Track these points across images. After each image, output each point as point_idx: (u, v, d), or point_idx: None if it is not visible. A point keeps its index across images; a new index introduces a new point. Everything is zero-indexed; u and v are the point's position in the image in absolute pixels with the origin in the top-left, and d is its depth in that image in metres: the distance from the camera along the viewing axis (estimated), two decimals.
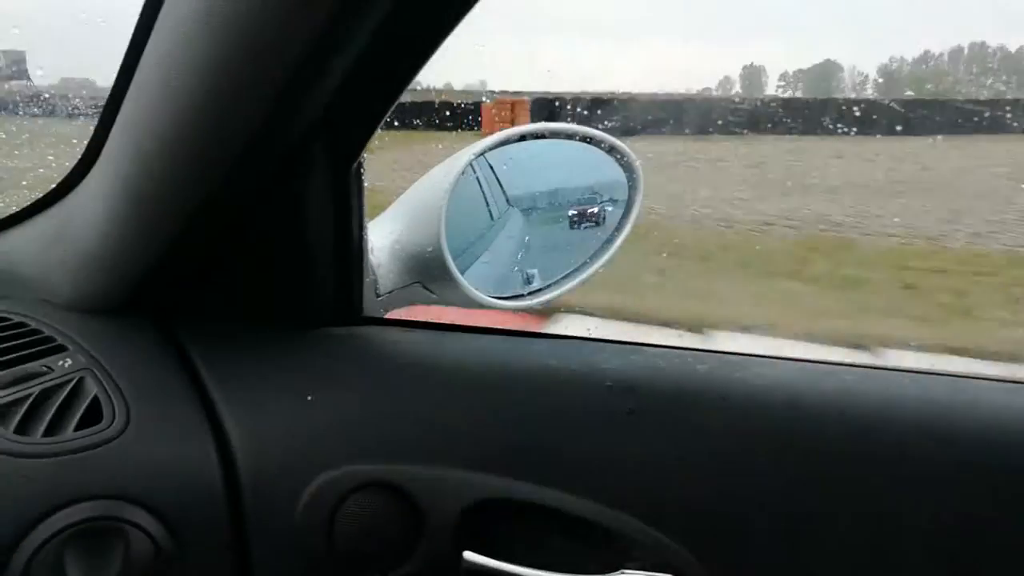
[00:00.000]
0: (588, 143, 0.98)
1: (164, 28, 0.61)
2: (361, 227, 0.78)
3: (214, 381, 0.72)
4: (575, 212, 1.05)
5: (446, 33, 0.64)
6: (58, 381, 0.68)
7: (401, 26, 0.61)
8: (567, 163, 1.03)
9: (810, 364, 0.68)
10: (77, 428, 0.64)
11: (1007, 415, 0.59)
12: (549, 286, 0.96)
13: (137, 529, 0.61)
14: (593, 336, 0.74)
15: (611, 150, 0.98)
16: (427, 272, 0.86)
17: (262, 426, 0.69)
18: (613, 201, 1.04)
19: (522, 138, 0.93)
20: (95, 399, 0.67)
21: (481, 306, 0.89)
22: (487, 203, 1.08)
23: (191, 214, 0.69)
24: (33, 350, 0.71)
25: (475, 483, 0.65)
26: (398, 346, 0.76)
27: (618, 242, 0.97)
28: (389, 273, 0.86)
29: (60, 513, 0.59)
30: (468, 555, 0.65)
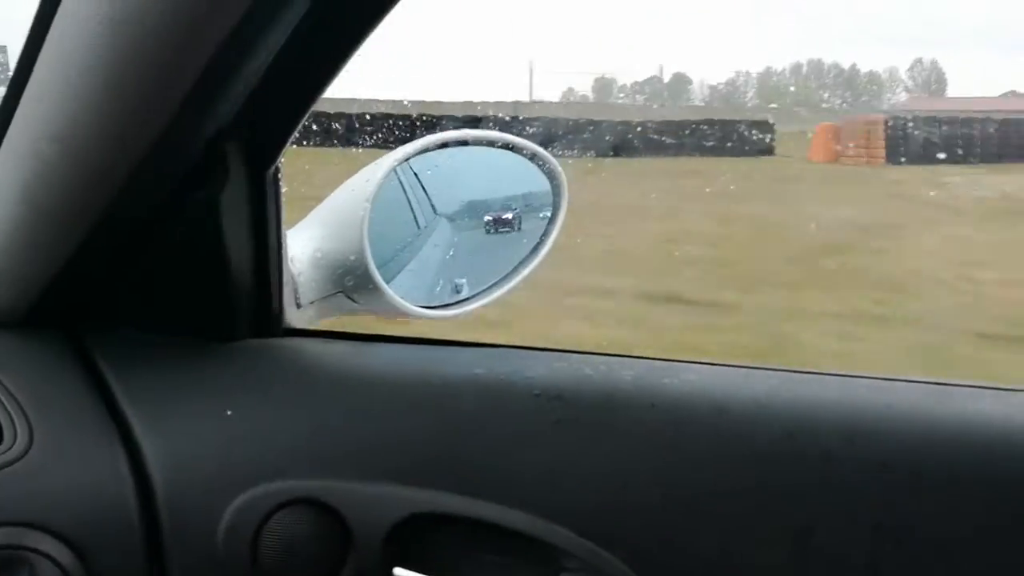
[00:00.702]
0: (510, 150, 0.98)
1: (64, 24, 0.58)
2: (279, 235, 0.76)
3: (127, 396, 0.68)
4: (491, 218, 1.05)
5: (365, 35, 0.62)
6: None
7: (318, 27, 0.59)
8: (491, 171, 1.02)
9: (734, 369, 0.69)
10: None
11: (924, 416, 0.61)
12: (476, 295, 0.95)
13: (44, 558, 0.57)
14: (520, 344, 0.74)
15: (533, 157, 0.98)
16: (351, 281, 0.84)
17: (179, 443, 0.66)
18: (534, 208, 1.04)
19: (443, 145, 0.92)
20: None
21: (407, 316, 0.87)
22: (412, 211, 1.07)
23: (97, 221, 0.65)
24: None
25: (403, 497, 0.63)
26: (321, 358, 0.74)
27: (544, 250, 0.97)
28: (311, 282, 0.84)
29: None
30: (398, 572, 0.63)
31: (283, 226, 0.76)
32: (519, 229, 1.03)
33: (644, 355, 0.70)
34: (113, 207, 0.64)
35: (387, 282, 0.88)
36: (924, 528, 0.57)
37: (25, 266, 0.69)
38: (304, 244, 0.85)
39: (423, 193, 1.06)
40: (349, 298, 0.86)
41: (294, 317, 0.81)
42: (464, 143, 0.93)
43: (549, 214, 1.00)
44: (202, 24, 0.53)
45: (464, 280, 1.05)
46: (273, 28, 0.58)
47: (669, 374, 0.66)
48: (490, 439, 0.65)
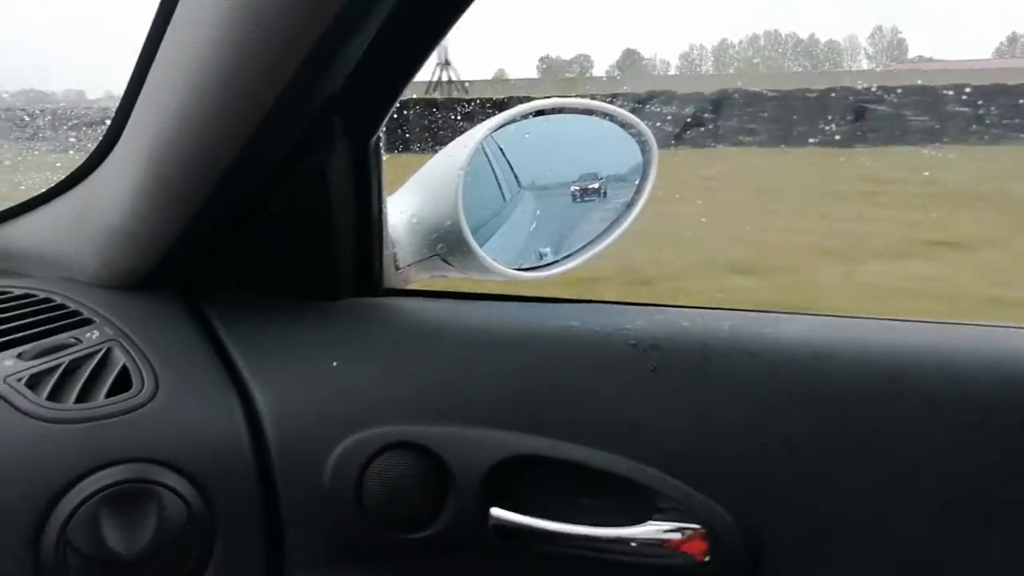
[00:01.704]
0: (604, 118, 0.99)
1: (186, 8, 0.62)
2: (380, 200, 0.79)
3: (239, 350, 0.73)
4: (577, 188, 1.06)
5: (462, 9, 0.65)
6: (87, 351, 0.69)
7: (417, 4, 0.62)
8: (583, 139, 1.03)
9: (833, 318, 0.68)
10: (107, 396, 0.65)
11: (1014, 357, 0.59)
12: (566, 258, 0.97)
13: (170, 491, 0.62)
14: (616, 300, 0.75)
15: (624, 125, 0.98)
16: (445, 245, 0.87)
17: (288, 391, 0.70)
18: (622, 180, 1.05)
19: (539, 113, 0.93)
20: (124, 368, 0.68)
21: (500, 277, 0.89)
22: (499, 184, 1.09)
23: (213, 189, 0.70)
24: (60, 323, 0.72)
25: (501, 441, 0.66)
26: (421, 315, 0.77)
27: (632, 215, 0.97)
28: (408, 246, 0.87)
29: (94, 476, 0.61)
30: (496, 511, 0.65)
31: (384, 191, 0.79)
32: (604, 196, 1.04)
33: (741, 307, 0.70)
34: (228, 176, 0.69)
35: (479, 246, 0.91)
36: None
37: (149, 230, 0.74)
38: (402, 210, 0.88)
39: (508, 166, 1.08)
40: (444, 261, 0.89)
41: (392, 278, 0.85)
42: (559, 111, 0.94)
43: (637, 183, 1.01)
44: (315, 1, 0.56)
45: (548, 249, 1.07)
46: (377, 5, 0.60)
47: (768, 324, 0.67)
48: (586, 386, 0.66)
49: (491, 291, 0.83)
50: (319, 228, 0.77)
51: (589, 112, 0.98)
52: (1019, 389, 0.57)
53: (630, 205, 0.99)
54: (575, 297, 0.77)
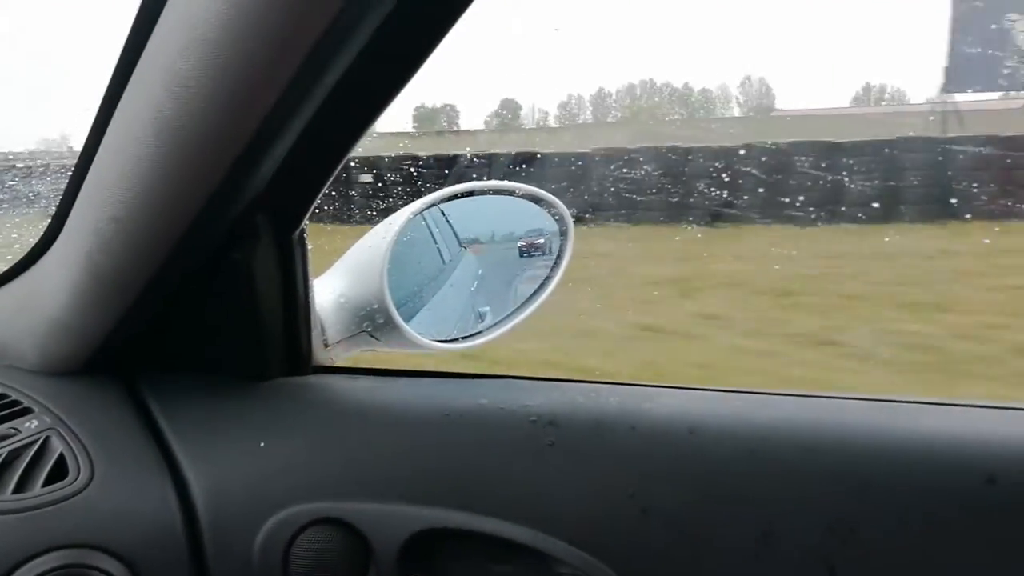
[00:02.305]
0: (523, 198, 1.07)
1: (122, 121, 0.68)
2: (307, 285, 0.85)
3: (173, 432, 0.78)
4: (524, 244, 1.13)
5: (382, 109, 0.71)
6: (25, 441, 0.73)
7: (339, 102, 0.68)
8: (505, 215, 1.11)
9: (709, 392, 0.76)
10: (45, 484, 0.69)
11: (883, 433, 0.67)
12: (486, 329, 1.04)
13: (105, 575, 0.66)
14: (520, 375, 0.82)
15: (539, 202, 1.06)
16: (372, 320, 0.93)
17: (219, 470, 0.74)
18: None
19: (454, 197, 1.01)
20: (61, 456, 0.72)
21: (423, 350, 0.96)
22: (438, 248, 1.16)
23: (147, 282, 0.75)
24: (0, 413, 0.76)
25: (417, 515, 0.71)
26: (344, 393, 0.83)
27: (550, 286, 1.05)
28: (337, 324, 0.93)
29: (33, 562, 0.65)
30: None
31: (310, 277, 0.85)
32: (550, 252, 1.12)
33: (629, 382, 0.77)
34: (160, 272, 0.74)
35: (407, 320, 0.97)
36: (870, 530, 0.63)
37: (86, 322, 0.79)
38: (330, 290, 0.94)
39: (450, 230, 1.16)
40: (372, 336, 0.95)
41: (322, 356, 0.91)
42: (471, 193, 1.02)
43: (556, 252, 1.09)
44: (244, 109, 0.62)
45: (487, 308, 1.14)
46: (304, 106, 0.67)
47: (648, 399, 0.74)
48: (492, 462, 0.73)
49: (415, 364, 0.90)
50: (248, 313, 0.82)
51: (512, 193, 1.06)
52: (864, 458, 0.65)
53: (548, 278, 1.07)
54: (485, 372, 0.83)
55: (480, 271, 1.19)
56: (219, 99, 0.61)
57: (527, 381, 0.81)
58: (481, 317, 1.14)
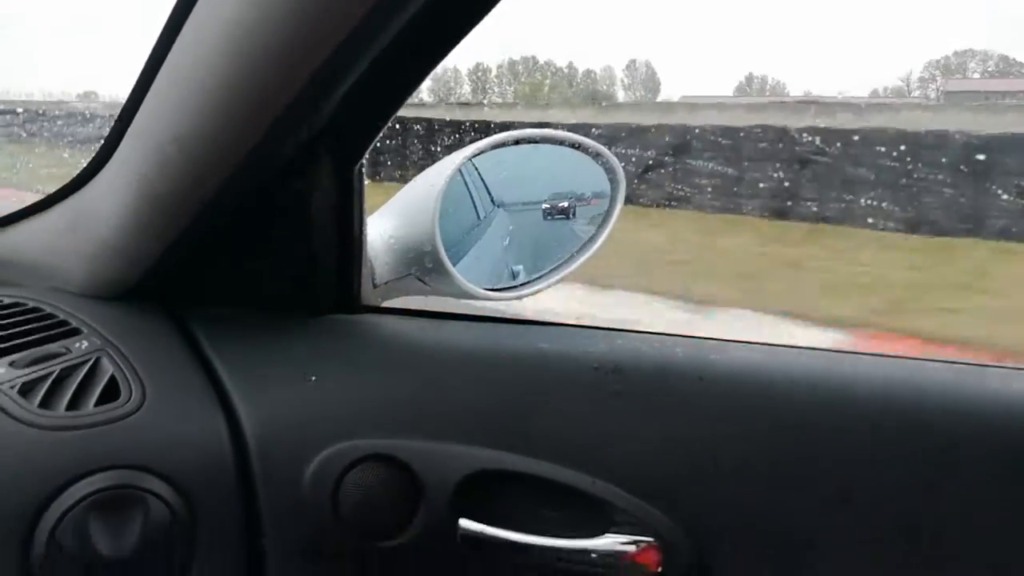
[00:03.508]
0: (576, 149, 1.04)
1: (187, 37, 0.66)
2: (362, 222, 0.83)
3: (222, 363, 0.76)
4: (548, 206, 1.11)
5: (451, 45, 0.69)
6: (76, 361, 0.72)
7: (408, 36, 0.66)
8: (557, 167, 1.09)
9: (781, 348, 0.74)
10: (97, 404, 0.68)
11: (960, 395, 0.66)
12: (536, 279, 1.02)
13: (155, 497, 0.65)
14: (581, 323, 0.80)
15: (596, 156, 1.04)
16: (421, 264, 0.91)
17: (268, 404, 0.73)
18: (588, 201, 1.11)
19: (516, 142, 0.98)
20: (112, 377, 0.71)
21: (473, 298, 0.94)
22: (474, 203, 1.14)
23: (202, 208, 0.74)
24: (49, 333, 0.75)
25: (471, 455, 0.70)
26: (397, 332, 0.81)
27: (600, 240, 1.03)
28: (385, 265, 0.91)
29: (82, 482, 0.64)
30: (464, 522, 0.70)
31: (365, 214, 0.84)
32: (573, 216, 1.10)
33: (695, 335, 0.75)
34: (217, 197, 0.73)
35: (453, 265, 0.95)
36: (955, 490, 0.62)
37: (138, 245, 0.78)
38: (380, 231, 0.92)
39: (484, 188, 1.13)
40: (419, 280, 0.93)
41: (370, 296, 0.89)
42: (534, 141, 0.99)
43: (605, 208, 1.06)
44: (308, 38, 0.60)
45: (520, 267, 1.12)
46: (370, 43, 0.65)
47: (717, 351, 0.72)
48: (552, 407, 0.71)
49: (464, 311, 0.88)
50: (302, 247, 0.81)
51: (561, 142, 1.04)
52: (946, 417, 0.64)
53: (599, 229, 1.05)
54: (542, 319, 0.81)
55: (511, 227, 1.17)
56: (297, 16, 0.59)
57: (588, 329, 0.79)
58: (514, 275, 1.12)
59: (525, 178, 1.15)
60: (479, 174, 1.10)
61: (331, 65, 0.62)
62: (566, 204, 1.11)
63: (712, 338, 0.75)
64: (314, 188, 0.77)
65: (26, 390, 0.67)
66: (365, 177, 0.82)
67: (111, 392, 0.70)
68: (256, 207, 0.78)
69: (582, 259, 1.03)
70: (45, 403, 0.67)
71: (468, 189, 1.12)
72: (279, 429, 0.72)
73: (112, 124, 0.78)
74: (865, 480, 0.64)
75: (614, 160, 1.04)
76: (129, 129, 0.75)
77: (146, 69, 0.71)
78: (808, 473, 0.65)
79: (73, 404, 0.67)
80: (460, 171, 1.02)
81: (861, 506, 0.64)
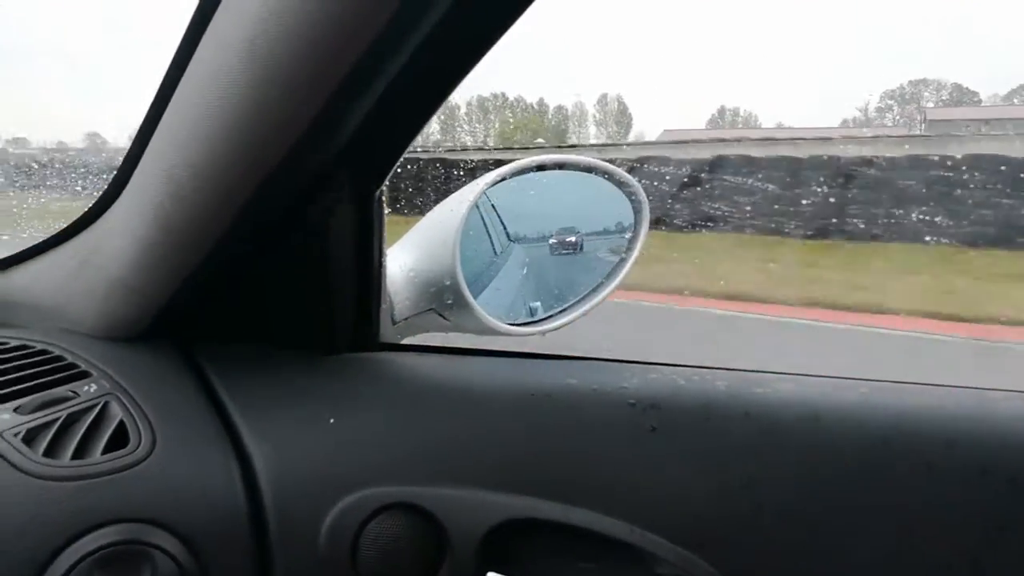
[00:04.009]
0: (602, 176, 1.01)
1: (200, 61, 0.63)
2: (381, 254, 0.80)
3: (236, 405, 0.72)
4: (555, 240, 1.08)
5: (469, 67, 0.66)
6: (84, 406, 0.68)
7: (426, 59, 0.63)
8: (581, 195, 1.06)
9: (827, 379, 0.69)
10: (104, 452, 0.64)
11: (1018, 423, 0.61)
12: (560, 312, 0.98)
13: (163, 553, 0.61)
14: (611, 357, 0.76)
15: (621, 184, 1.00)
16: (441, 299, 0.88)
17: (284, 449, 0.69)
18: (611, 233, 1.07)
19: (540, 167, 0.95)
20: (121, 423, 0.67)
21: (496, 333, 0.90)
22: (490, 236, 1.11)
23: (218, 240, 0.70)
24: (56, 376, 0.72)
25: (499, 503, 0.66)
26: (418, 370, 0.78)
27: (624, 270, 0.99)
28: (405, 300, 0.88)
29: (88, 536, 0.60)
30: None
31: (385, 244, 0.80)
32: (581, 250, 1.07)
33: (734, 367, 0.71)
34: (234, 227, 0.69)
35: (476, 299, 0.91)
36: (1021, 531, 0.57)
37: (152, 283, 0.74)
38: (399, 264, 0.89)
39: (498, 220, 1.10)
40: (440, 315, 0.89)
41: (389, 333, 0.85)
42: (560, 167, 0.96)
43: (628, 237, 1.03)
44: (328, 59, 0.58)
45: (538, 303, 1.09)
46: (389, 61, 0.62)
47: (762, 384, 0.67)
48: (585, 447, 0.67)
49: (487, 347, 0.84)
50: (320, 281, 0.77)
51: (589, 169, 1.01)
52: (1012, 453, 0.59)
53: (622, 261, 1.01)
54: (570, 354, 0.77)
55: (527, 263, 1.14)
56: (314, 33, 0.56)
57: (619, 363, 0.75)
58: (532, 312, 1.08)
59: (542, 209, 1.12)
60: (494, 207, 1.08)
61: (349, 85, 0.59)
62: (573, 239, 1.08)
63: (755, 370, 0.71)
64: (333, 217, 0.74)
65: (30, 437, 0.64)
66: (385, 206, 0.79)
67: (120, 438, 0.66)
68: (273, 239, 0.75)
69: (607, 290, 0.99)
70: (50, 451, 0.63)
71: (484, 222, 1.09)
72: (295, 477, 0.68)
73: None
74: (927, 523, 0.59)
75: (638, 188, 1.01)
76: (142, 158, 0.72)
77: (159, 93, 0.68)
78: (865, 516, 0.60)
79: (80, 452, 0.64)
80: (476, 203, 0.99)
81: (923, 550, 0.59)
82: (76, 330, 0.79)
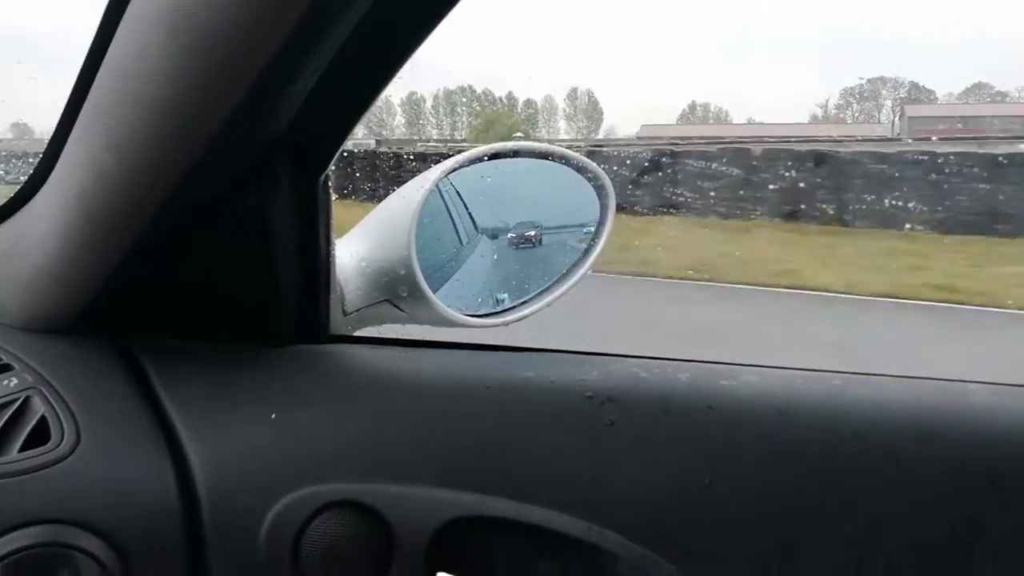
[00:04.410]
0: (559, 162, 0.98)
1: (123, 40, 0.59)
2: (328, 242, 0.76)
3: (172, 400, 0.68)
4: (514, 235, 1.05)
5: (414, 47, 0.63)
6: (3, 401, 0.64)
7: (369, 37, 0.60)
8: (539, 183, 1.02)
9: (796, 371, 0.66)
10: (22, 449, 0.60)
11: (995, 418, 0.58)
12: (522, 303, 0.94)
13: (85, 555, 0.57)
14: (570, 349, 0.72)
15: (580, 169, 0.97)
16: (396, 290, 0.84)
17: (222, 446, 0.65)
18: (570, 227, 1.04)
19: (495, 155, 0.92)
20: (42, 419, 0.63)
21: (454, 324, 0.86)
22: (455, 227, 1.07)
23: (147, 228, 0.66)
24: None
25: (449, 501, 0.62)
26: (367, 363, 0.74)
27: (590, 260, 0.96)
28: (357, 291, 0.84)
29: (4, 538, 0.56)
30: None
31: (332, 234, 0.76)
32: (539, 245, 1.04)
33: (701, 360, 0.67)
34: (162, 215, 0.65)
35: (434, 291, 0.87)
36: (996, 528, 0.54)
37: (78, 272, 0.70)
38: (352, 253, 0.85)
39: (464, 209, 1.07)
40: (395, 307, 0.86)
41: (340, 324, 0.81)
42: (514, 155, 0.93)
43: (593, 229, 1.00)
44: (256, 34, 0.54)
45: (506, 295, 1.05)
46: (325, 38, 0.58)
47: (727, 376, 0.64)
48: (540, 442, 0.63)
49: (443, 339, 0.80)
50: (261, 270, 0.73)
51: (545, 156, 0.97)
52: (987, 447, 0.56)
53: (587, 251, 0.98)
54: (529, 346, 0.74)
55: (495, 254, 1.11)
56: (241, 8, 0.52)
57: (579, 355, 0.71)
58: (499, 302, 1.05)
59: (506, 197, 1.08)
60: (459, 195, 1.04)
61: (284, 58, 0.55)
62: (532, 233, 1.05)
63: (719, 362, 0.68)
64: (271, 204, 0.70)
65: None
66: (332, 191, 0.75)
67: (41, 435, 0.62)
68: (210, 226, 0.71)
69: (572, 281, 0.96)
70: None
71: (448, 211, 1.05)
72: (234, 475, 0.64)
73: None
74: (897, 521, 0.56)
75: (602, 174, 0.97)
76: (66, 144, 0.67)
77: (81, 75, 0.64)
78: (832, 513, 0.57)
79: None
80: (438, 190, 0.96)
81: (891, 549, 0.56)
82: (1, 322, 0.75)
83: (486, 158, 0.93)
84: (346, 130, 0.70)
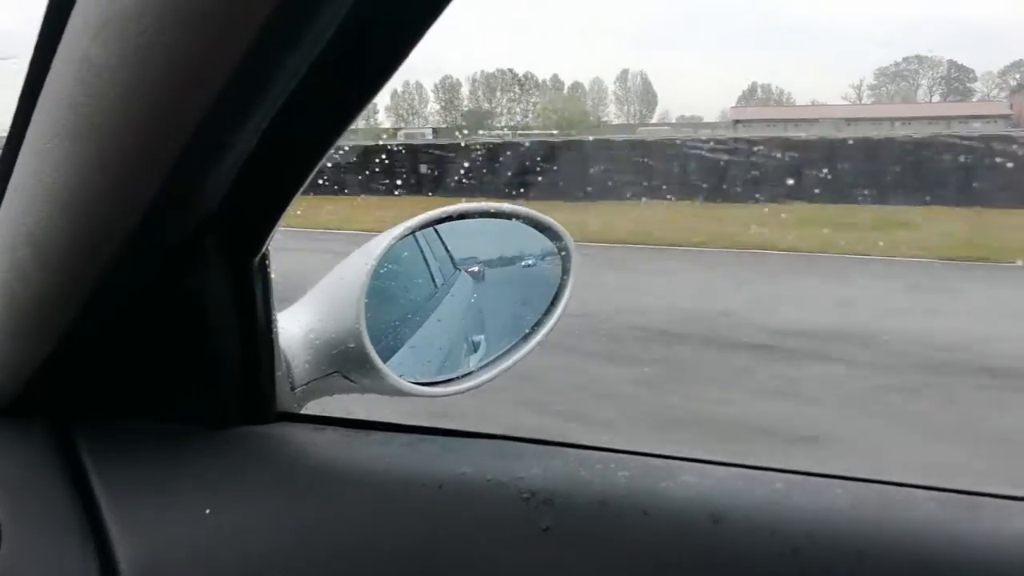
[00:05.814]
0: (524, 223, 0.96)
1: (40, 121, 0.57)
2: (269, 319, 0.73)
3: (104, 490, 0.66)
4: (476, 269, 1.06)
5: (350, 119, 0.60)
6: None
7: (302, 110, 0.57)
8: (499, 242, 1.01)
9: (737, 469, 0.63)
10: None
11: (938, 527, 0.55)
12: (479, 369, 0.92)
13: None
14: (515, 435, 0.70)
15: (545, 230, 0.95)
16: (345, 362, 0.82)
17: (154, 546, 0.63)
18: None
19: (461, 217, 0.90)
20: None
21: (404, 395, 0.84)
22: (430, 270, 1.05)
23: (79, 311, 0.64)
24: None
25: None
26: (309, 448, 0.71)
27: (549, 325, 0.93)
28: (306, 364, 0.82)
29: None
30: None
31: (273, 310, 0.74)
32: (483, 279, 1.05)
33: (642, 451, 0.65)
34: (92, 303, 0.63)
35: (388, 357, 0.86)
36: None
37: (10, 355, 0.68)
38: (300, 323, 0.83)
39: (444, 251, 1.05)
40: (346, 378, 0.83)
41: (288, 400, 0.79)
42: (462, 216, 0.91)
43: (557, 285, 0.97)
44: (178, 115, 0.51)
45: (482, 337, 1.03)
46: (254, 112, 0.55)
47: (665, 476, 0.62)
48: (475, 546, 0.61)
49: (390, 413, 0.78)
50: (200, 352, 0.71)
51: (510, 217, 0.95)
52: (923, 567, 0.53)
53: (548, 310, 0.96)
54: (470, 430, 0.71)
55: (475, 296, 1.09)
56: (141, 91, 0.49)
57: (523, 444, 0.69)
58: (475, 347, 1.03)
59: (483, 247, 1.07)
60: (440, 238, 1.02)
61: (202, 142, 0.53)
62: (476, 269, 1.05)
63: (661, 456, 0.65)
64: (206, 286, 0.68)
65: None
66: (270, 267, 0.73)
67: None
68: (148, 306, 0.69)
69: (532, 344, 0.93)
70: None
71: (423, 256, 1.03)
72: (163, 573, 0.62)
73: None
74: None
75: (564, 233, 0.95)
76: None
77: (8, 146, 0.62)
78: None
79: None
80: (415, 238, 0.94)
81: None
82: None
83: (454, 218, 0.92)
84: (279, 210, 0.67)
